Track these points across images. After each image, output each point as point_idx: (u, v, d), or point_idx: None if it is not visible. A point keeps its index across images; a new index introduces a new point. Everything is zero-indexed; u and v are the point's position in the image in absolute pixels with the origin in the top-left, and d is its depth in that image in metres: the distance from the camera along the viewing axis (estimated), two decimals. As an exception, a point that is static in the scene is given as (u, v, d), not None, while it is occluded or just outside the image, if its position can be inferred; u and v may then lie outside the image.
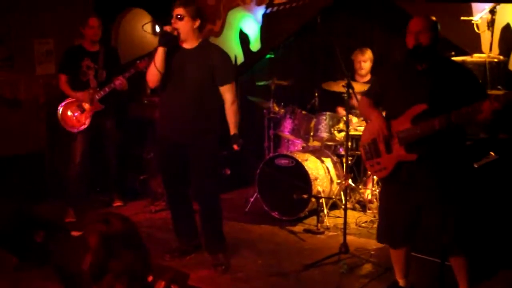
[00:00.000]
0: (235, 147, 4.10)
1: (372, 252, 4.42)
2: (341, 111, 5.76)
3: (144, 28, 4.13)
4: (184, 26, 3.92)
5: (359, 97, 4.91)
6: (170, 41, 3.94)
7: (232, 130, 4.09)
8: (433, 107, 3.15)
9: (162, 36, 3.94)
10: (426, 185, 3.26)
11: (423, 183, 3.26)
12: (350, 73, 5.39)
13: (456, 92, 3.16)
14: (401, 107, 3.29)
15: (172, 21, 3.92)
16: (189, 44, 4.02)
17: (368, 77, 5.74)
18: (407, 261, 3.60)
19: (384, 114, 3.51)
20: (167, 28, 3.92)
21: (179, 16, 3.90)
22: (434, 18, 3.28)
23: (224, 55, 4.11)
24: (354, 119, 5.51)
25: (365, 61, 5.69)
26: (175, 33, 3.90)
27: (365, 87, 5.49)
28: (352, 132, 5.22)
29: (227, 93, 4.06)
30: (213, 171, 4.22)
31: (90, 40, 5.36)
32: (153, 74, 3.99)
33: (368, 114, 3.55)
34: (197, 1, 6.65)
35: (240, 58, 6.68)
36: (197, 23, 3.97)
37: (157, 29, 6.64)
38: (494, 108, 2.99)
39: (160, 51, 3.95)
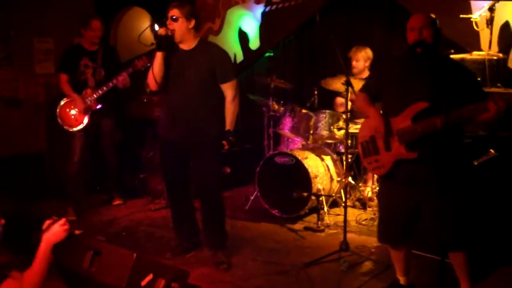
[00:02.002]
0: (225, 144, 4.06)
1: (373, 250, 4.43)
2: (340, 99, 5.75)
3: (140, 40, 4.13)
4: (180, 27, 3.93)
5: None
6: (167, 44, 3.94)
7: (227, 126, 4.08)
8: (434, 106, 3.13)
9: (159, 41, 3.93)
10: (426, 183, 3.25)
11: (422, 181, 3.24)
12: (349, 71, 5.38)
13: (456, 91, 3.15)
14: (401, 104, 3.26)
15: (168, 22, 3.93)
16: (187, 45, 4.03)
17: (365, 74, 5.72)
18: (408, 260, 3.59)
19: (381, 110, 3.48)
20: (161, 32, 3.91)
21: (174, 17, 3.91)
22: (433, 15, 3.27)
23: (224, 53, 4.12)
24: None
25: (357, 60, 5.63)
26: (170, 33, 3.91)
27: (361, 84, 5.50)
28: (351, 130, 5.21)
29: (228, 90, 4.07)
30: (216, 169, 4.21)
31: (90, 41, 5.36)
32: (152, 79, 4.01)
33: (365, 110, 3.51)
34: (196, 0, 6.71)
35: (240, 57, 6.69)
36: (192, 23, 3.98)
37: (156, 27, 6.64)
38: (499, 107, 2.95)
39: (159, 56, 3.96)
